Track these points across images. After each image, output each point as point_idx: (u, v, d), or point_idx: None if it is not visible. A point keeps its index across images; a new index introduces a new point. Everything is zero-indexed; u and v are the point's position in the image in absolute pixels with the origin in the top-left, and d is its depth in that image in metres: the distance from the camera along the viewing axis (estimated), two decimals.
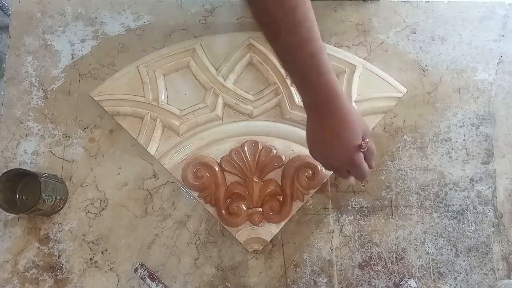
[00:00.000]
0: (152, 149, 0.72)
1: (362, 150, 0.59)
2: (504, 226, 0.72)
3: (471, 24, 0.78)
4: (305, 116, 0.72)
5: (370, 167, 0.62)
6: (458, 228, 0.72)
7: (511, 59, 0.77)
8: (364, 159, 0.60)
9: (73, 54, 0.75)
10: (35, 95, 0.74)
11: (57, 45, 0.76)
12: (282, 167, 0.71)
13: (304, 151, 0.72)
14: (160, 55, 0.74)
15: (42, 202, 0.64)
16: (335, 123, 0.58)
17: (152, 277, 0.68)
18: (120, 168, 0.72)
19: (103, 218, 0.71)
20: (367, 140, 0.59)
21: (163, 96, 0.73)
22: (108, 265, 0.70)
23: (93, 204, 0.71)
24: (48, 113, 0.74)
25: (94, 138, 0.73)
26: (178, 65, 0.74)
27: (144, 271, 0.68)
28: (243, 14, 0.77)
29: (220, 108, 0.73)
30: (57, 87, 0.74)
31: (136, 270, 0.69)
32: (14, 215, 0.70)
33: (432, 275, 0.71)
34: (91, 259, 0.70)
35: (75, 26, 0.76)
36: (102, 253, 0.70)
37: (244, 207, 0.70)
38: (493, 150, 0.74)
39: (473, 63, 0.77)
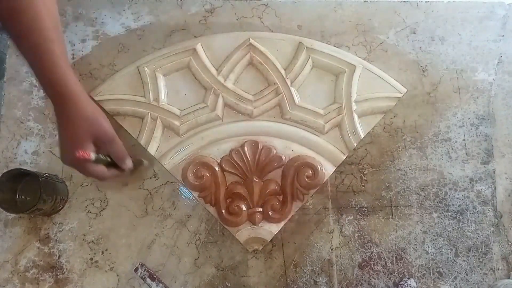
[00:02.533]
0: (152, 149, 0.72)
1: (88, 159, 0.59)
2: (503, 226, 0.73)
3: (471, 24, 0.78)
4: (306, 116, 0.73)
5: (123, 168, 0.63)
6: (458, 228, 0.72)
7: (510, 59, 0.77)
8: (114, 160, 0.62)
9: (73, 54, 0.75)
10: (36, 95, 0.74)
11: None
12: (282, 167, 0.71)
13: (304, 151, 0.72)
14: (161, 55, 0.74)
15: (42, 202, 0.64)
16: (60, 124, 0.60)
17: (152, 277, 0.68)
18: None
19: (104, 218, 0.71)
20: (82, 153, 0.57)
21: (163, 96, 0.73)
22: (109, 265, 0.70)
23: (93, 204, 0.71)
24: (48, 113, 0.74)
25: None
26: (178, 65, 0.74)
27: (144, 271, 0.68)
28: (243, 14, 0.77)
29: (220, 108, 0.73)
30: None
31: (136, 270, 0.69)
32: (15, 215, 0.70)
33: (431, 275, 0.71)
34: (91, 259, 0.70)
35: (76, 26, 0.76)
36: (103, 253, 0.70)
37: (244, 207, 0.70)
38: (492, 150, 0.75)
39: (472, 63, 0.77)
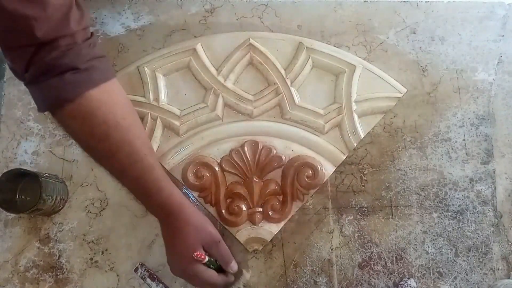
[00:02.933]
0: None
1: (201, 261, 0.61)
2: (503, 226, 0.73)
3: (471, 24, 0.78)
4: (306, 116, 0.73)
5: (228, 271, 0.64)
6: (458, 228, 0.72)
7: (510, 59, 0.77)
8: (220, 262, 0.64)
9: None
10: None
11: None
12: (282, 167, 0.71)
13: (304, 151, 0.72)
14: (160, 55, 0.74)
15: (42, 202, 0.64)
16: (169, 236, 0.62)
17: (152, 276, 0.68)
18: None
19: (104, 218, 0.71)
20: (198, 253, 0.60)
21: (163, 96, 0.73)
22: (109, 265, 0.70)
23: (93, 204, 0.71)
24: (48, 113, 0.73)
25: None
26: (179, 65, 0.74)
27: (144, 271, 0.68)
28: (243, 14, 0.77)
29: (220, 108, 0.73)
30: None
31: (136, 269, 0.69)
32: (15, 215, 0.70)
33: (431, 275, 0.71)
34: (91, 259, 0.70)
35: None
36: (103, 253, 0.70)
37: (244, 207, 0.70)
38: (492, 150, 0.75)
39: (472, 63, 0.77)
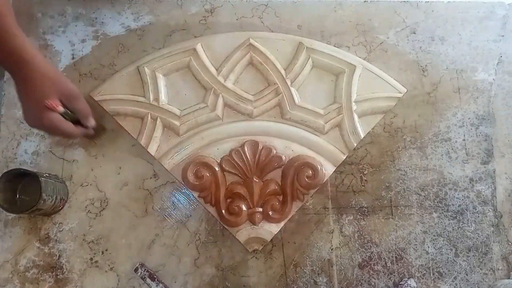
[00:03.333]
0: (152, 149, 0.72)
1: (57, 111, 0.61)
2: (503, 226, 0.73)
3: (471, 24, 0.78)
4: (306, 116, 0.73)
5: (86, 126, 0.67)
6: (458, 228, 0.72)
7: (510, 59, 0.77)
8: (79, 117, 0.65)
9: (73, 54, 0.75)
10: None
11: (58, 45, 0.76)
12: (282, 167, 0.71)
13: (304, 151, 0.72)
14: (161, 55, 0.74)
15: (42, 202, 0.64)
16: (22, 87, 0.61)
17: (152, 277, 0.68)
18: (120, 168, 0.72)
19: (104, 218, 0.71)
20: (51, 102, 0.60)
21: (163, 96, 0.73)
22: (109, 265, 0.70)
23: (93, 204, 0.71)
24: None
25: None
26: (178, 65, 0.74)
27: (144, 271, 0.68)
28: (243, 14, 0.77)
29: (220, 108, 0.73)
30: None
31: (136, 270, 0.69)
32: (15, 215, 0.70)
33: (431, 275, 0.71)
34: (91, 259, 0.70)
35: (76, 26, 0.76)
36: (103, 253, 0.70)
37: (244, 207, 0.70)
38: (492, 150, 0.75)
39: (472, 63, 0.77)
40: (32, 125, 0.64)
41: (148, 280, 0.68)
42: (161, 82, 0.74)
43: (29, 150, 0.73)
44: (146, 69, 0.73)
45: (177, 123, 0.72)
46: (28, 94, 0.61)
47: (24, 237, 0.70)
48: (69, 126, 0.64)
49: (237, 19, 0.76)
